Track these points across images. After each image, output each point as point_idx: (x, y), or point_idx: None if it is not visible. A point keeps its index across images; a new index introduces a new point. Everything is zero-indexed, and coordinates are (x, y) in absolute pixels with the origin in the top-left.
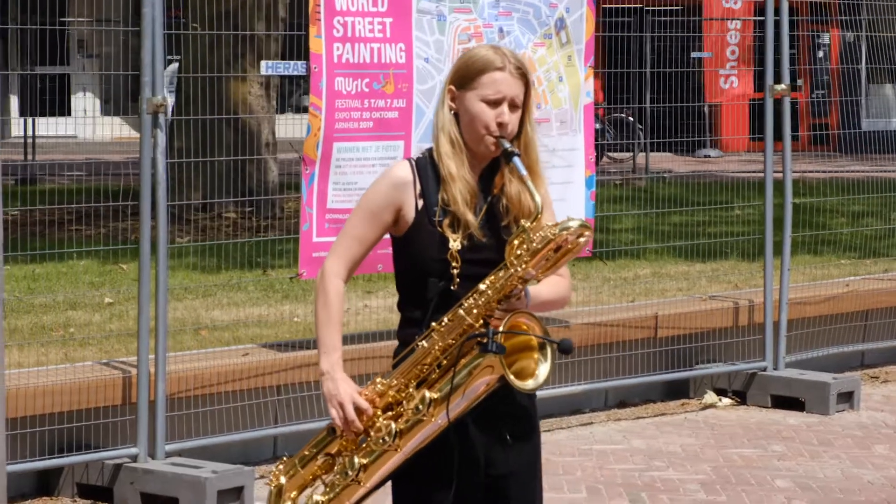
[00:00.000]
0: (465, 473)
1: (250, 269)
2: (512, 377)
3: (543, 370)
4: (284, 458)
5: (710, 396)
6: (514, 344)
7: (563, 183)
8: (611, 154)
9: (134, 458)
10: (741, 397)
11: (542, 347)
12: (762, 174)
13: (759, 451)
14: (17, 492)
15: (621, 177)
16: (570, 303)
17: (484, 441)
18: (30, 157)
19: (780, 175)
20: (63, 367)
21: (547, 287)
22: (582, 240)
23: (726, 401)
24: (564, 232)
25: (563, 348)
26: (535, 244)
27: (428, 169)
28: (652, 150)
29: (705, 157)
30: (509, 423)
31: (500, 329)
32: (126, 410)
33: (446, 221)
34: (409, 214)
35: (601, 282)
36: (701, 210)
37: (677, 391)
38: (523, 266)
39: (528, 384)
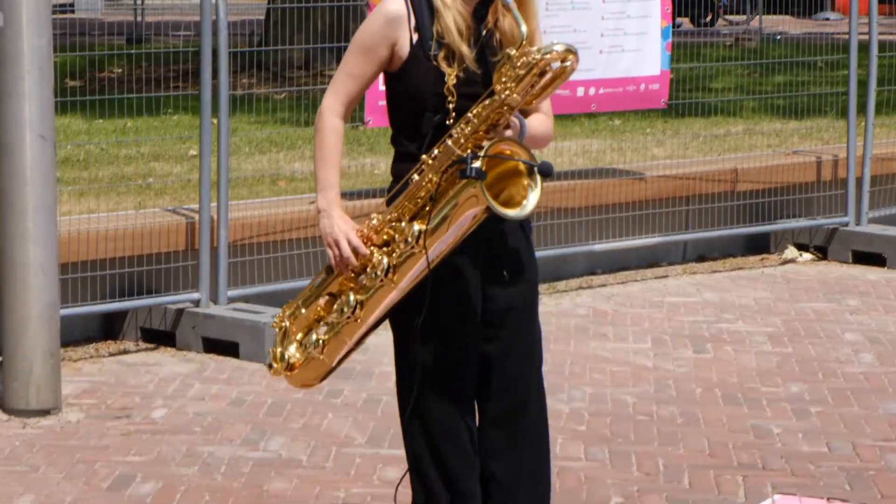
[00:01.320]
0: (465, 311)
1: None
2: (495, 204)
3: (532, 198)
4: (290, 302)
5: (790, 251)
6: (501, 172)
7: (638, 34)
8: (727, 17)
9: (196, 304)
10: (822, 253)
11: (530, 174)
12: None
13: (833, 304)
14: (83, 335)
15: (733, 37)
16: (653, 156)
17: (481, 279)
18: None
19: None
20: (131, 213)
21: (535, 122)
22: (567, 64)
23: (806, 256)
24: (548, 56)
25: (543, 171)
26: (519, 70)
27: (422, 2)
28: (770, 13)
29: (824, 20)
30: (506, 260)
31: (481, 154)
32: (189, 256)
33: (441, 55)
34: (404, 49)
35: (690, 138)
36: (805, 70)
37: (758, 246)
38: (507, 92)
39: (515, 212)
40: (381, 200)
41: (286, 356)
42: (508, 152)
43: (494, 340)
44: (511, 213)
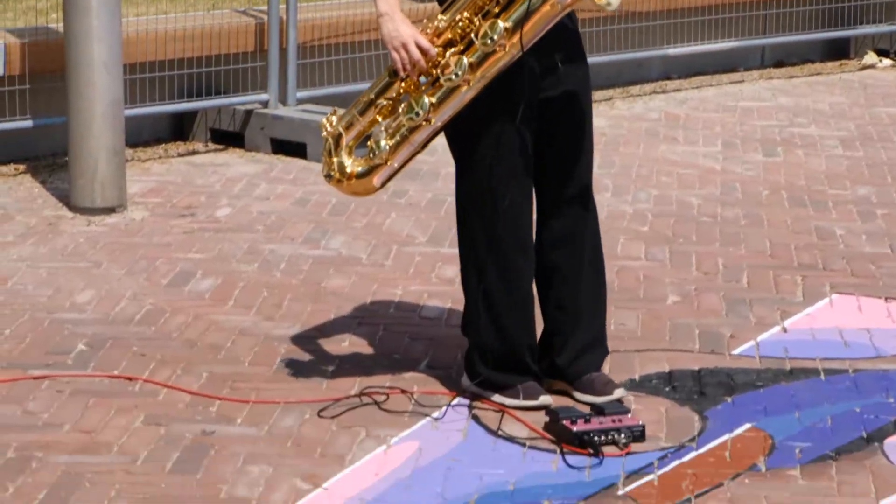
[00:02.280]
0: (523, 100)
1: None
2: None
3: None
4: (336, 110)
5: (869, 57)
6: None
7: None
8: None
9: (265, 105)
10: None
11: None
12: None
13: None
14: (153, 135)
15: None
16: None
17: (536, 66)
18: None
19: None
20: (200, 14)
21: None
22: None
23: (886, 62)
24: None
25: None
26: None
27: None
28: None
29: None
30: (559, 48)
31: None
32: (259, 57)
33: None
34: None
35: None
36: None
37: (837, 51)
38: None
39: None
40: (435, 5)
41: (345, 165)
42: None
43: (553, 130)
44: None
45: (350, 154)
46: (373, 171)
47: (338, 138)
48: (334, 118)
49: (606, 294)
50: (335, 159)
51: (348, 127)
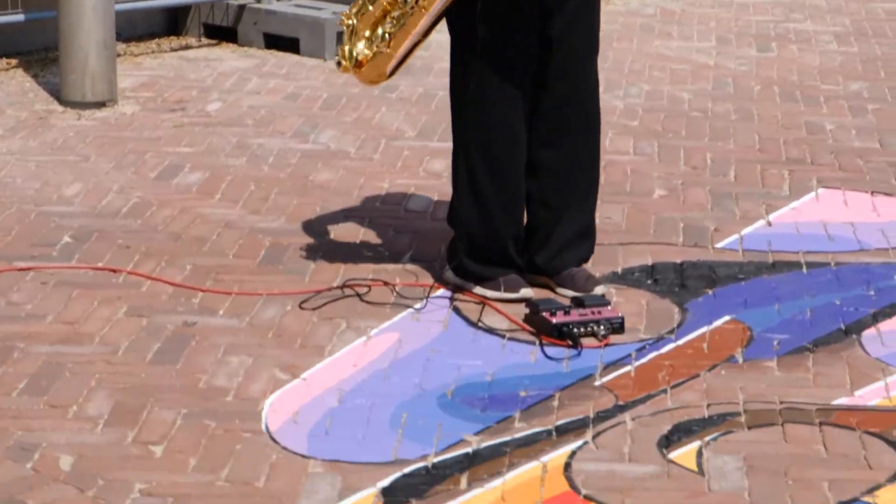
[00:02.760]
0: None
1: None
2: None
3: None
4: (354, 1)
5: None
6: None
7: None
8: None
9: (258, 0)
10: None
11: None
12: None
13: None
14: (146, 30)
15: None
16: None
17: None
18: None
19: None
20: None
21: None
22: None
23: None
24: None
25: None
26: None
27: None
28: None
29: None
30: None
31: None
32: None
33: None
34: None
35: None
36: None
37: None
38: None
39: None
40: None
41: (354, 53)
42: None
43: (553, 24)
44: None
45: (362, 43)
46: (377, 59)
47: (352, 28)
48: (353, 9)
49: (598, 191)
50: (346, 47)
51: (361, 17)
